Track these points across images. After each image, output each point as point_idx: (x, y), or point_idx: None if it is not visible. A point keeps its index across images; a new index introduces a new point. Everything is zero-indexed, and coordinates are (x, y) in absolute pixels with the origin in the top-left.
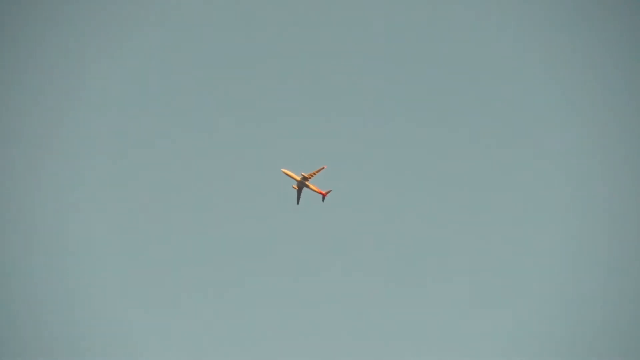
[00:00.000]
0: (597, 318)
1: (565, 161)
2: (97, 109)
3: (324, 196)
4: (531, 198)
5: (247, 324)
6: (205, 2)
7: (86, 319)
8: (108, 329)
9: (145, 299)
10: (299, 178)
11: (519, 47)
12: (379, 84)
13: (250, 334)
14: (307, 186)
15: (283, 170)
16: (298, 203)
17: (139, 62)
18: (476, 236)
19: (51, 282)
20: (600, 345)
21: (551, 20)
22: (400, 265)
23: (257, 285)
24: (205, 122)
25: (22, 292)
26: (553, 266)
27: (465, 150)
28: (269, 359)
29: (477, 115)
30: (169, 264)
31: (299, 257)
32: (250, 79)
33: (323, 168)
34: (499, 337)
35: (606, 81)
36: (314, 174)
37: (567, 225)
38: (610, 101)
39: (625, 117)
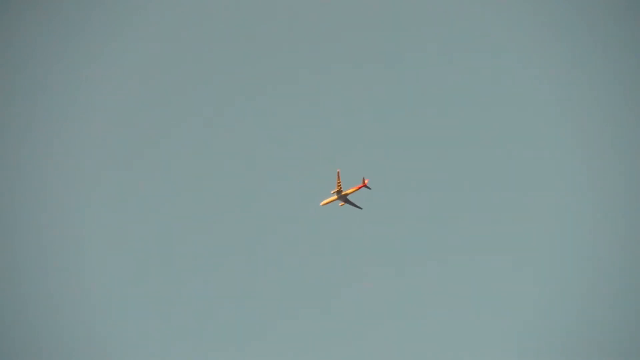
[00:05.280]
0: (598, 318)
1: (565, 161)
2: (97, 108)
3: (366, 186)
4: (531, 197)
5: (248, 324)
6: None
7: (85, 319)
8: (107, 330)
9: (145, 300)
10: (336, 197)
11: (520, 47)
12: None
13: (252, 334)
14: (347, 194)
15: (321, 204)
16: (361, 208)
17: (139, 62)
18: (476, 235)
19: (50, 282)
20: (602, 345)
21: (550, 20)
22: (400, 263)
23: (259, 284)
24: (206, 121)
25: (21, 292)
26: (552, 266)
27: (466, 150)
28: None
29: (478, 114)
30: (170, 264)
31: (302, 256)
32: (252, 78)
33: (338, 172)
34: (499, 337)
35: (606, 81)
36: (339, 182)
37: (566, 225)
38: (609, 101)
39: (625, 117)
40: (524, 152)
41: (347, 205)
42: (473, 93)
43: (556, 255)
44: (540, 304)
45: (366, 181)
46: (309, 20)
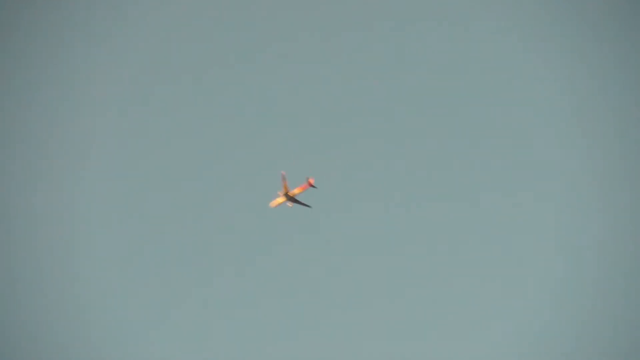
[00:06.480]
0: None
1: (567, 162)
2: (97, 108)
3: (311, 186)
4: (533, 199)
5: (248, 324)
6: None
7: (85, 319)
8: (107, 330)
9: (144, 299)
10: (284, 198)
11: (520, 47)
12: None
13: (252, 334)
14: (294, 194)
15: (271, 205)
16: (309, 206)
17: (138, 62)
18: (475, 236)
19: (50, 282)
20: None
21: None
22: (400, 263)
23: (260, 284)
24: (204, 118)
25: (21, 292)
26: (553, 267)
27: (466, 151)
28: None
29: (479, 116)
30: (170, 264)
31: (299, 254)
32: (249, 78)
33: (283, 174)
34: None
35: (607, 81)
36: (285, 185)
37: (567, 227)
38: (610, 102)
39: (626, 118)
40: (523, 149)
41: (296, 205)
42: (470, 91)
43: (558, 256)
44: (541, 306)
45: (311, 180)
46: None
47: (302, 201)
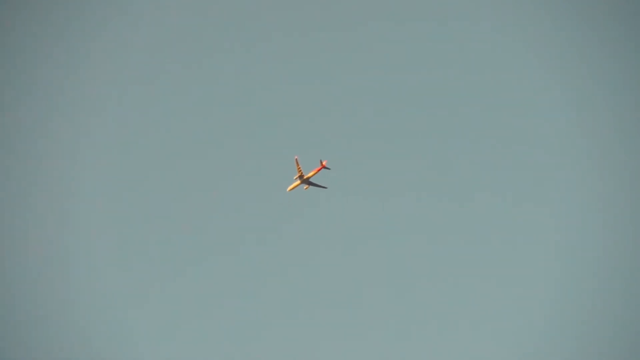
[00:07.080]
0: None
1: (567, 161)
2: (96, 108)
3: (325, 167)
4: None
5: (248, 323)
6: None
7: (84, 319)
8: (106, 329)
9: (143, 298)
10: (299, 181)
11: (520, 46)
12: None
13: (253, 333)
14: (309, 177)
15: (288, 189)
16: (325, 187)
17: (137, 61)
18: (475, 236)
19: (49, 281)
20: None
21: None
22: (400, 261)
23: (259, 283)
24: (201, 118)
25: (21, 292)
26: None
27: (466, 150)
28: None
29: (478, 114)
30: (169, 262)
31: (298, 253)
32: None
33: (296, 158)
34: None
35: (607, 81)
36: (299, 169)
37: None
38: (610, 101)
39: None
40: (523, 148)
41: (312, 187)
42: (470, 91)
43: (558, 256)
44: (541, 306)
45: (324, 163)
46: None
47: (318, 182)
